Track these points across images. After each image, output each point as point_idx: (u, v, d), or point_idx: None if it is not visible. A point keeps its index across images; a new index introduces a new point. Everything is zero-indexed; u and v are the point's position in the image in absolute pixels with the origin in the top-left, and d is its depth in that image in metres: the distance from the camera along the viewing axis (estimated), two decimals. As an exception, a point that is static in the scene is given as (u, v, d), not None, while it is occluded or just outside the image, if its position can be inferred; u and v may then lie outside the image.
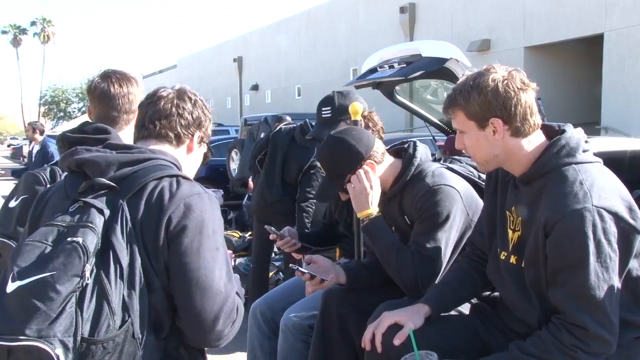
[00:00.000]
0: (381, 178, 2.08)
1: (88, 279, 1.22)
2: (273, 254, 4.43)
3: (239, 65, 27.71)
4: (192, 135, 1.54)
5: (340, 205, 2.78)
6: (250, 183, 6.85)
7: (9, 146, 48.59)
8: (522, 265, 1.64)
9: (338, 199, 2.82)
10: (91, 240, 1.25)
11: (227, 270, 1.41)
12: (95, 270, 1.24)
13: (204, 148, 1.62)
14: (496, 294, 1.91)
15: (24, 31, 58.40)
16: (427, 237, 1.98)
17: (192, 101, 1.53)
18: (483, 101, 1.58)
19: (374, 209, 2.04)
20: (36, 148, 7.70)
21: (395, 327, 1.72)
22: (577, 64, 13.26)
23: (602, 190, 1.50)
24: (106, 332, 1.23)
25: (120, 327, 1.25)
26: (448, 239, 1.99)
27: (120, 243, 1.28)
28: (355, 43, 18.71)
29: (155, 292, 1.33)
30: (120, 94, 1.88)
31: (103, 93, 1.89)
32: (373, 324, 1.79)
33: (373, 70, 3.21)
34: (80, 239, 1.24)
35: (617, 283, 1.48)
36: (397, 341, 1.69)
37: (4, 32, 58.71)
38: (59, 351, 1.16)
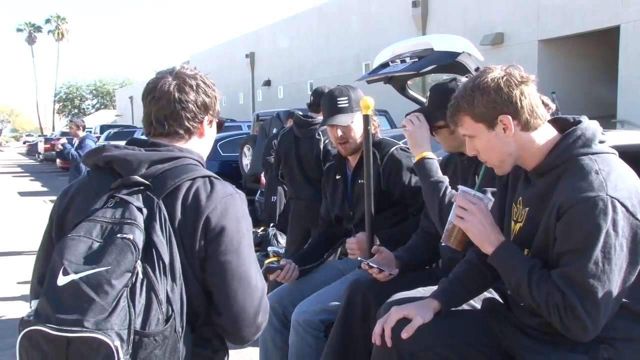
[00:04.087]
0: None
1: (139, 274, 1.27)
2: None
3: (251, 61, 27.71)
4: (202, 122, 1.55)
5: (339, 201, 2.77)
6: (263, 179, 6.88)
7: (24, 143, 49.14)
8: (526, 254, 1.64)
9: (335, 191, 2.79)
10: (139, 237, 1.30)
11: (258, 266, 1.47)
12: (142, 266, 1.29)
13: (214, 126, 1.62)
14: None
15: (38, 29, 59.07)
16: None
17: (194, 88, 1.52)
18: (487, 100, 1.58)
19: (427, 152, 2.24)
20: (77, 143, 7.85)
21: (404, 322, 1.73)
22: (592, 57, 13.07)
23: (618, 181, 1.49)
24: (156, 324, 1.27)
25: (167, 320, 1.29)
26: None
27: (161, 241, 1.33)
28: (368, 37, 18.59)
29: (191, 285, 1.38)
30: None
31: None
32: (382, 318, 1.80)
33: (385, 65, 3.19)
34: (130, 236, 1.28)
35: (616, 276, 1.46)
36: (404, 334, 1.70)
37: (19, 30, 59.44)
38: (117, 343, 1.20)
